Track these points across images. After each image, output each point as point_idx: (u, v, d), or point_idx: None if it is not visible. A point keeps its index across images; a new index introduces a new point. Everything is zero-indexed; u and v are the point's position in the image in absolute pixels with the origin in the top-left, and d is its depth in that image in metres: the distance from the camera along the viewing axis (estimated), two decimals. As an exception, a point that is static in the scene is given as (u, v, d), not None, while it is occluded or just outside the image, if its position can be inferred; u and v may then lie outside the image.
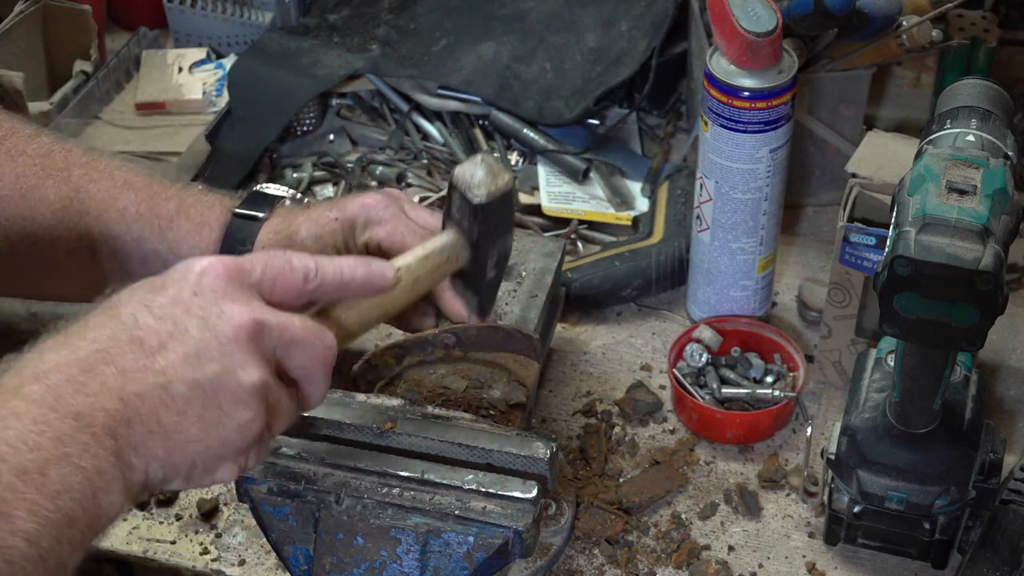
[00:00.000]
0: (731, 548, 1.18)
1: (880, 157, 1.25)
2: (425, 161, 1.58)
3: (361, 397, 1.06)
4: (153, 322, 0.84)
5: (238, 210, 1.16)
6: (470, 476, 1.00)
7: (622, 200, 1.51)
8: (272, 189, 1.23)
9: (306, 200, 1.26)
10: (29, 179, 1.15)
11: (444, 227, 1.05)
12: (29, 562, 0.76)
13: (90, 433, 0.80)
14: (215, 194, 1.20)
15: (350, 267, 0.93)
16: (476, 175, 1.01)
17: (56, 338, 0.85)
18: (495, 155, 1.56)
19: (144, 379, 0.82)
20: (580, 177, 1.54)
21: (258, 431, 0.86)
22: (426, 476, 1.00)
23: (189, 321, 0.84)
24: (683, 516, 1.20)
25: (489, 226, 1.03)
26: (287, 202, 1.19)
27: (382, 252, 1.12)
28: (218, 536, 1.18)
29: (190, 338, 0.84)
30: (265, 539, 1.05)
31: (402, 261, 1.00)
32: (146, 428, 0.82)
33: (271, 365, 0.87)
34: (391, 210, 1.13)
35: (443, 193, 1.50)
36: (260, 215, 1.16)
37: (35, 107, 1.54)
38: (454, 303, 1.11)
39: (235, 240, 1.15)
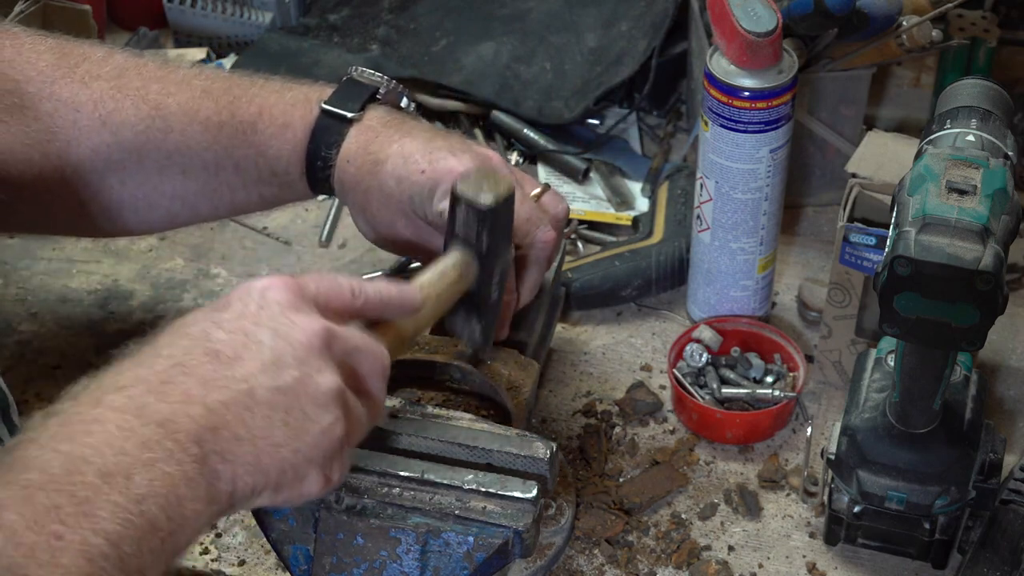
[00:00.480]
0: (731, 548, 1.18)
1: (880, 157, 1.25)
2: (425, 161, 1.58)
3: (361, 397, 1.06)
4: (225, 336, 0.84)
5: (326, 106, 1.14)
6: (470, 476, 1.00)
7: (622, 200, 1.51)
8: (367, 76, 1.18)
9: (404, 99, 1.21)
10: (107, 104, 1.13)
11: (447, 248, 1.05)
12: (109, 563, 0.74)
13: (174, 439, 0.79)
14: (301, 87, 1.17)
15: (386, 287, 0.95)
16: (481, 183, 1.02)
17: (129, 358, 0.84)
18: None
19: (226, 387, 0.82)
20: (580, 177, 1.54)
21: (341, 435, 0.86)
22: (426, 476, 1.00)
23: (261, 332, 0.84)
24: (683, 516, 1.20)
25: (496, 235, 1.03)
26: (382, 91, 1.16)
27: None
28: (218, 536, 1.18)
29: (265, 348, 0.84)
30: (265, 539, 1.05)
31: (422, 279, 1.01)
32: (233, 434, 0.82)
33: (342, 372, 0.87)
34: None
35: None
36: (349, 115, 1.13)
37: (35, 107, 1.53)
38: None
39: (321, 143, 1.12)
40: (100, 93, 1.14)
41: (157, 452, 0.78)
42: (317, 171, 1.14)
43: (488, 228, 1.02)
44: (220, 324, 0.85)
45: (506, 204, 1.03)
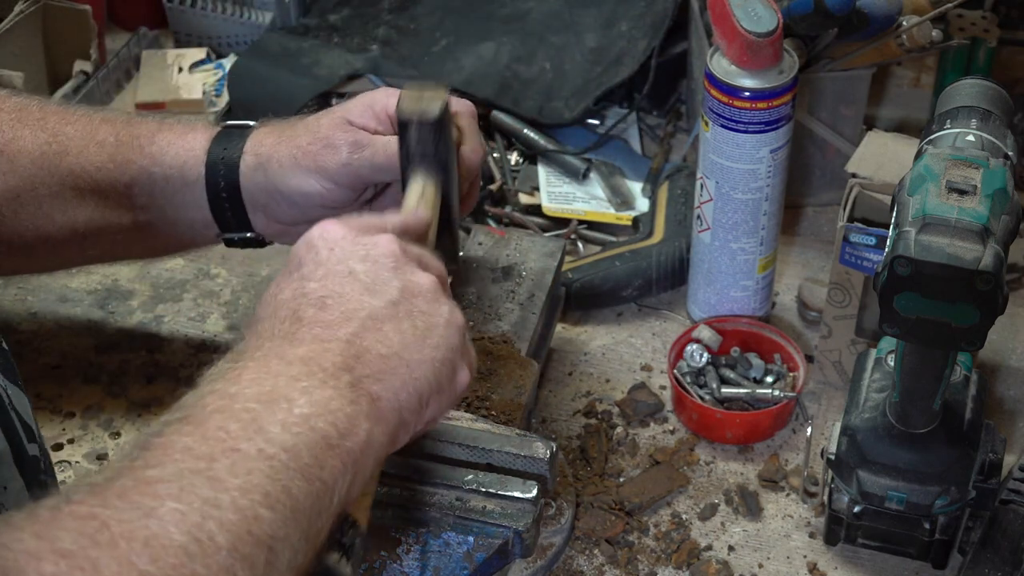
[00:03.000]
0: (731, 548, 1.18)
1: (880, 157, 1.25)
2: (425, 161, 1.58)
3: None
4: (318, 285, 0.85)
5: (228, 123, 1.16)
6: (470, 476, 1.00)
7: (622, 200, 1.51)
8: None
9: None
10: (5, 133, 1.13)
11: (408, 175, 1.06)
12: (290, 470, 0.74)
13: (323, 370, 0.80)
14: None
15: (399, 216, 0.96)
16: (419, 98, 1.03)
17: (242, 343, 0.85)
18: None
19: (348, 320, 0.84)
20: (580, 177, 1.54)
21: (462, 321, 0.89)
22: (426, 476, 1.00)
23: (349, 264, 0.86)
24: (683, 516, 1.20)
25: (448, 142, 1.05)
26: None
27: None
28: (218, 536, 1.18)
29: (359, 275, 0.86)
30: (265, 539, 1.05)
31: (412, 202, 1.03)
32: (377, 354, 0.83)
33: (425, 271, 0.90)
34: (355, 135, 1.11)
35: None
36: (252, 123, 1.15)
37: (35, 107, 1.53)
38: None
39: (225, 142, 1.13)
40: None
41: (310, 381, 0.79)
42: (219, 162, 1.13)
43: (443, 137, 1.04)
44: (308, 278, 0.86)
45: (448, 110, 1.05)
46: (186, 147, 1.14)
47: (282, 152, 1.12)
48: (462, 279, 1.20)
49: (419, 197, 1.03)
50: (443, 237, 1.08)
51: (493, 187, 1.52)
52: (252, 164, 1.13)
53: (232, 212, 1.15)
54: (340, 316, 0.84)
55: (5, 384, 0.94)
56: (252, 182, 1.13)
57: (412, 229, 0.96)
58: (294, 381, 0.79)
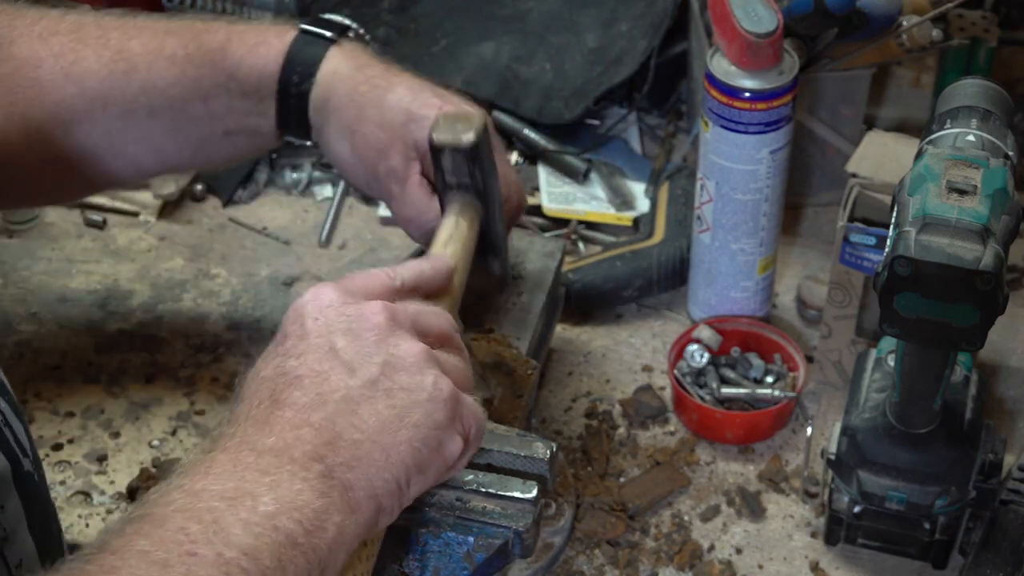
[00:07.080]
0: (733, 548, 1.18)
1: (880, 157, 1.25)
2: (425, 161, 1.58)
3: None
4: (297, 362, 0.84)
5: (305, 26, 1.13)
6: (470, 476, 1.00)
7: (623, 200, 1.51)
8: (337, 19, 1.18)
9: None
10: (67, 56, 1.12)
11: (444, 204, 1.06)
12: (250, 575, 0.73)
13: (292, 461, 0.79)
14: (269, 21, 1.17)
15: (417, 263, 0.97)
16: (454, 125, 1.03)
17: (223, 423, 0.84)
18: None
19: (323, 403, 0.82)
20: (580, 177, 1.54)
21: (450, 389, 0.86)
22: (426, 476, 1.00)
23: (332, 339, 0.84)
24: (684, 517, 1.20)
25: (486, 168, 1.04)
26: (351, 34, 1.16)
27: None
28: (218, 536, 1.18)
29: (340, 351, 0.84)
30: (265, 539, 1.05)
31: (442, 239, 1.03)
32: (350, 440, 0.81)
33: (417, 336, 0.88)
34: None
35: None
36: (329, 34, 1.13)
37: (35, 107, 1.53)
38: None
39: (301, 56, 1.12)
40: (60, 47, 1.12)
41: (278, 475, 0.78)
42: (291, 86, 1.12)
43: (479, 165, 1.03)
44: (288, 354, 0.85)
45: (486, 136, 1.05)
46: (259, 64, 1.13)
47: (365, 111, 1.11)
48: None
49: (449, 236, 1.03)
50: (488, 260, 1.10)
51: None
52: (319, 100, 1.13)
53: (297, 127, 1.16)
54: (315, 398, 0.82)
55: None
56: (315, 115, 1.14)
57: (427, 281, 0.95)
58: (262, 475, 0.77)
